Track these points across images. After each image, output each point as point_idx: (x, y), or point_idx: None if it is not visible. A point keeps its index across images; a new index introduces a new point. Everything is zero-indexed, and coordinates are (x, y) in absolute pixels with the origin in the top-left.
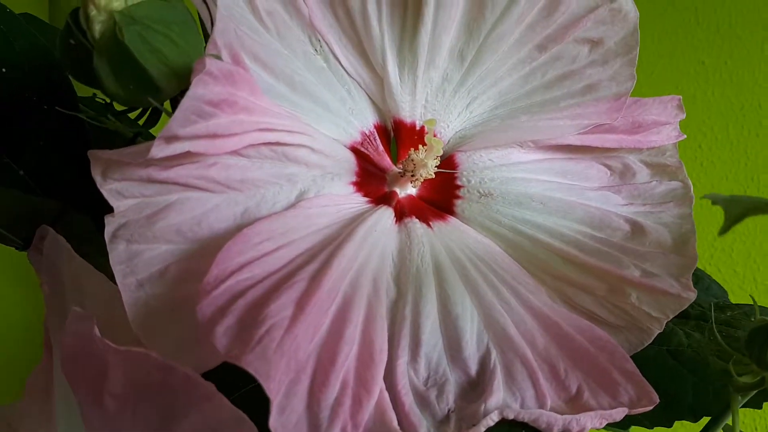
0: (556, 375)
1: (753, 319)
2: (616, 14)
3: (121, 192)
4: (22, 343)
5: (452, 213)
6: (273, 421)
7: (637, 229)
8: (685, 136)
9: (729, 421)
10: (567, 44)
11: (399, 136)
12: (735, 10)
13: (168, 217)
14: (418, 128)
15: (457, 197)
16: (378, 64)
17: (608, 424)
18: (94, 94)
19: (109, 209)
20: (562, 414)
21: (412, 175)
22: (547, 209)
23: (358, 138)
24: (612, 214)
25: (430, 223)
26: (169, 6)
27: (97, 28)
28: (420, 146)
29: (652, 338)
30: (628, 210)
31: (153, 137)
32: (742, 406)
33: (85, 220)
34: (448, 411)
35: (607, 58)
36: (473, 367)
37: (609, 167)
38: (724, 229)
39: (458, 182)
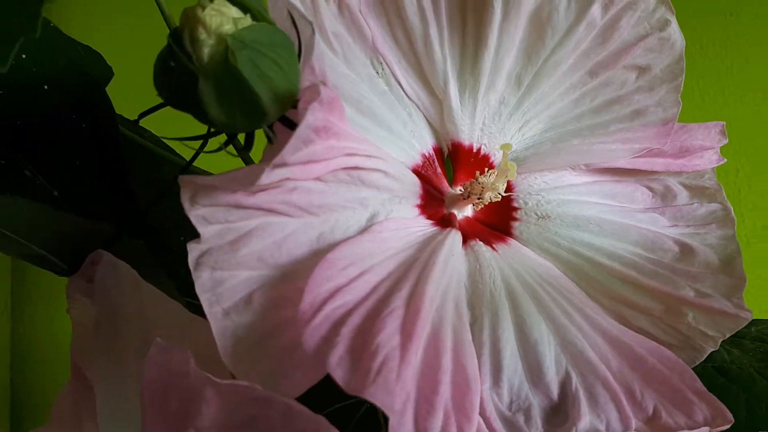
0: (632, 396)
1: None
2: (665, 42)
3: (207, 218)
4: None
5: (511, 235)
6: None
7: (686, 250)
8: (726, 160)
9: None
10: (616, 70)
11: (457, 158)
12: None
13: (250, 243)
14: (475, 150)
15: (515, 219)
16: (439, 88)
17: None
18: (137, 120)
19: (146, 234)
20: None
21: (478, 198)
22: (604, 231)
23: (419, 161)
24: (662, 235)
25: (494, 245)
26: (276, 30)
27: (206, 51)
28: (486, 169)
29: (705, 357)
30: (675, 231)
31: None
32: None
33: (139, 244)
34: None
35: (654, 85)
36: (555, 391)
37: (651, 189)
38: None
39: (515, 204)
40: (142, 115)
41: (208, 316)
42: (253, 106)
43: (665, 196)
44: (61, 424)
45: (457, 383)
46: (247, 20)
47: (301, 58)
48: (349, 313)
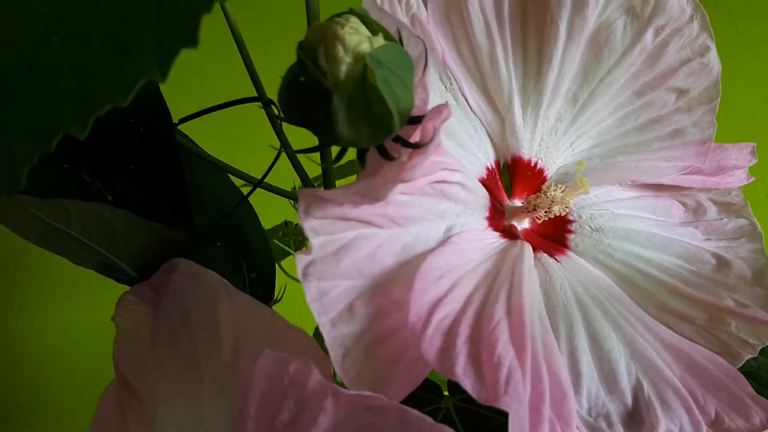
0: (697, 401)
1: None
2: (704, 67)
3: (316, 229)
4: None
5: (567, 247)
6: None
7: (722, 263)
8: (753, 179)
9: None
10: (659, 92)
11: (515, 171)
12: None
13: (350, 254)
14: (533, 164)
15: (570, 232)
16: (503, 104)
17: None
18: (176, 124)
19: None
20: None
21: (545, 212)
22: (652, 244)
23: (484, 174)
24: (700, 248)
25: (556, 257)
26: (403, 50)
27: (343, 69)
28: (554, 184)
29: (742, 363)
30: (710, 245)
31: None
32: None
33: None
34: None
35: (691, 106)
36: (629, 398)
37: (684, 204)
38: None
39: (570, 217)
40: (182, 120)
41: (320, 326)
42: (384, 123)
43: (696, 211)
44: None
45: (554, 392)
46: (379, 40)
47: (416, 76)
48: (456, 323)
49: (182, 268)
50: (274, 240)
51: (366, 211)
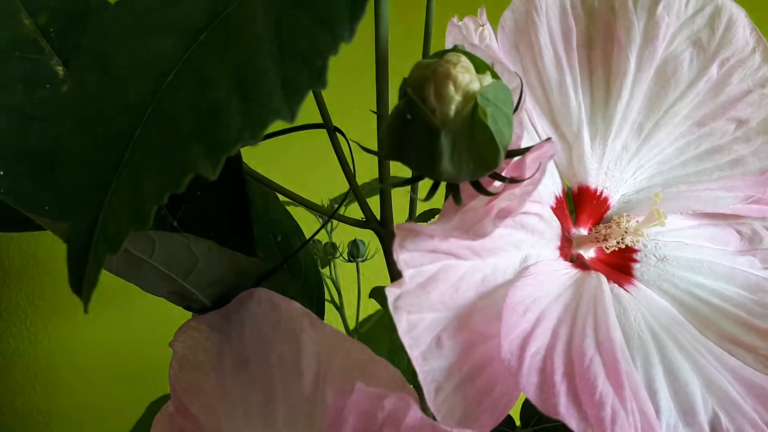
0: None
1: None
2: (764, 98)
3: (407, 262)
4: None
5: (633, 276)
6: None
7: None
8: None
9: None
10: (720, 122)
11: (581, 200)
12: None
13: (437, 286)
14: (598, 193)
15: (635, 261)
16: (571, 133)
17: None
18: None
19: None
20: None
21: (618, 242)
22: (715, 274)
23: (554, 203)
24: (760, 278)
25: (625, 287)
26: (506, 87)
27: (453, 107)
28: (625, 214)
29: None
30: None
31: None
32: None
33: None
34: None
35: (750, 136)
36: (706, 431)
37: (740, 233)
38: None
39: (635, 246)
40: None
41: (412, 360)
42: (489, 159)
43: (752, 239)
44: None
45: (644, 428)
46: (487, 78)
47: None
48: (548, 359)
49: (262, 297)
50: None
51: (453, 243)
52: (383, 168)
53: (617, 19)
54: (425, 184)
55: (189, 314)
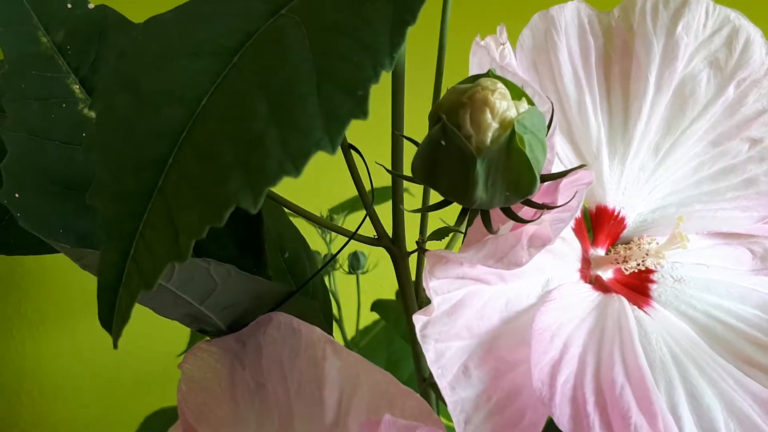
0: None
1: None
2: None
3: (436, 290)
4: None
5: (651, 297)
6: None
7: None
8: None
9: None
10: (734, 141)
11: (599, 220)
12: None
13: (463, 313)
14: (616, 213)
15: (652, 282)
16: (591, 153)
17: None
18: None
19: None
20: None
21: (638, 263)
22: (731, 294)
23: (573, 224)
24: None
25: (644, 309)
26: (540, 113)
27: (490, 134)
28: (644, 236)
29: None
30: None
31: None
32: None
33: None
34: None
35: (764, 156)
36: None
37: (753, 252)
38: None
39: (651, 267)
40: None
41: (441, 391)
42: (524, 186)
43: (764, 258)
44: None
45: None
46: (522, 104)
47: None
48: (578, 388)
49: (281, 322)
50: None
51: (480, 268)
52: (397, 187)
53: (636, 37)
54: (435, 196)
55: (184, 327)
